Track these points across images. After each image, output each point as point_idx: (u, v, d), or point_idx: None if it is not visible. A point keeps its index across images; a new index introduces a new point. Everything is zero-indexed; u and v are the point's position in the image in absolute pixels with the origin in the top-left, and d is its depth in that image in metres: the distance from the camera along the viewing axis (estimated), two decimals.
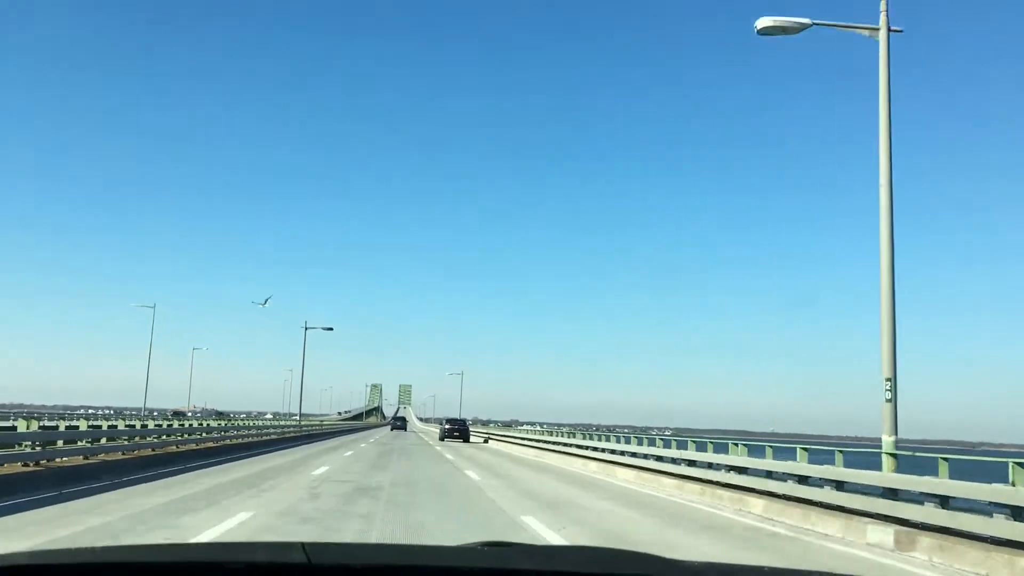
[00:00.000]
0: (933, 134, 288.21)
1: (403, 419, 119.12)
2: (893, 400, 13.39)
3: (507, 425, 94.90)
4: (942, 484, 10.77)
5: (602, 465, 26.68)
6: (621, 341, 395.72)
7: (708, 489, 17.55)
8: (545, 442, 39.80)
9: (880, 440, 13.52)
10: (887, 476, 12.32)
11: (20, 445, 16.48)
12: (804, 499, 13.88)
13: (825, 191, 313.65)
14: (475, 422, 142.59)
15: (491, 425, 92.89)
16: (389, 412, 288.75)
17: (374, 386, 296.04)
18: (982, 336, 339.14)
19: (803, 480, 14.23)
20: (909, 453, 13.52)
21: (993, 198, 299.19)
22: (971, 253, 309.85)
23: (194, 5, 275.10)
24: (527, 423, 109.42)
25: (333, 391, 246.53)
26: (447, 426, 57.64)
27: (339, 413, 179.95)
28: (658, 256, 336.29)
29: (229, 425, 40.22)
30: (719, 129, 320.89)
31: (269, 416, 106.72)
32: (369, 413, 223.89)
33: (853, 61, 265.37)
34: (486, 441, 56.37)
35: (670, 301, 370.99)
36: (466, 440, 54.39)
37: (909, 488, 11.42)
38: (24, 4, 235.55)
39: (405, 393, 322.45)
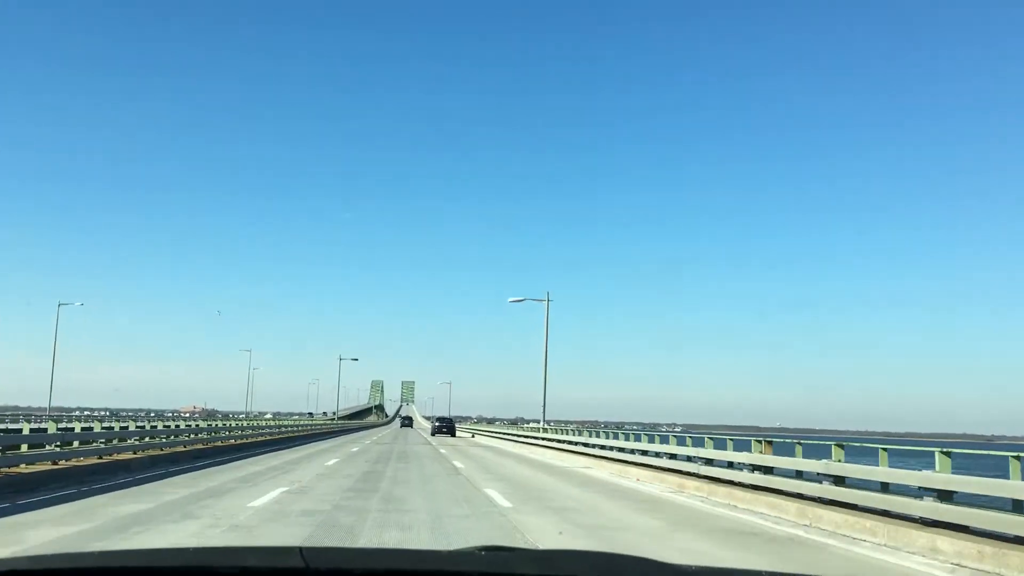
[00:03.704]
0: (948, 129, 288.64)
1: (409, 418, 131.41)
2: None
3: (512, 423, 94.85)
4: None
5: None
6: (627, 339, 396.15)
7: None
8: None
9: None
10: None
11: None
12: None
13: (828, 186, 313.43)
14: (479, 420, 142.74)
15: (496, 423, 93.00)
16: (390, 409, 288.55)
17: (374, 383, 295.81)
18: (996, 329, 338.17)
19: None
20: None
21: (998, 194, 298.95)
22: (985, 245, 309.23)
23: (189, 4, 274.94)
24: (532, 420, 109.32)
25: (319, 385, 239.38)
26: (437, 423, 70.07)
27: (320, 413, 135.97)
28: (662, 252, 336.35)
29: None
30: (719, 124, 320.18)
31: (269, 416, 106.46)
32: (368, 412, 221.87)
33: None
34: (473, 436, 64.55)
35: (675, 297, 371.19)
36: (452, 435, 64.92)
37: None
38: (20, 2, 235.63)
39: (408, 390, 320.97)
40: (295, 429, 58.17)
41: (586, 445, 30.79)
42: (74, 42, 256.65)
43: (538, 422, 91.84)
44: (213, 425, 37.18)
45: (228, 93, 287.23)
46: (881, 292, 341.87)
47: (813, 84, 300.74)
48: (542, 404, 45.08)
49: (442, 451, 36.08)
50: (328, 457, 28.44)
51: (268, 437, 42.92)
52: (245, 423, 45.97)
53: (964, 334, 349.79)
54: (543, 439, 39.81)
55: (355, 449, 35.70)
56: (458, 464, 26.31)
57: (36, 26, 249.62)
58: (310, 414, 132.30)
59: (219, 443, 31.27)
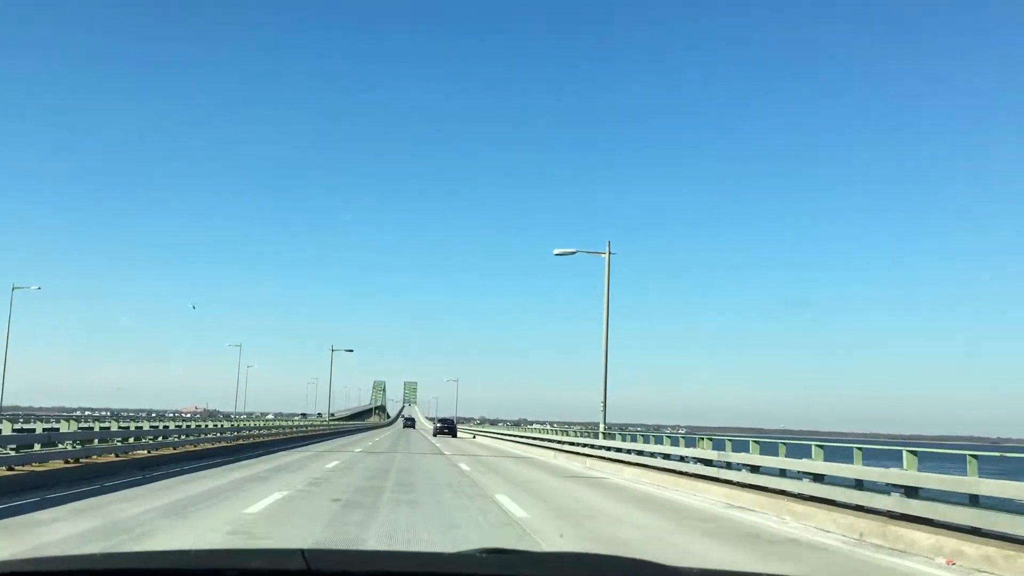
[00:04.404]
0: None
1: (412, 419, 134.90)
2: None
3: (516, 424, 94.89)
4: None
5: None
6: (627, 339, 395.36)
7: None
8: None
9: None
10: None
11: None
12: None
13: (831, 187, 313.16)
14: (482, 421, 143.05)
15: (499, 424, 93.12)
16: (392, 410, 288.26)
17: (376, 383, 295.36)
18: (1000, 330, 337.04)
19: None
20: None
21: (998, 194, 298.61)
22: (988, 246, 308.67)
23: (190, 4, 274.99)
24: (536, 422, 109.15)
25: (319, 385, 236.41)
26: (438, 424, 73.18)
27: (315, 414, 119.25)
28: (663, 252, 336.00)
29: None
30: (720, 126, 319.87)
31: (271, 416, 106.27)
32: (369, 413, 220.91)
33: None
34: (474, 437, 65.41)
35: (675, 297, 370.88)
36: (453, 435, 66.54)
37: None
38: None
39: (411, 390, 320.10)
40: (264, 433, 42.26)
41: (708, 464, 18.86)
42: (74, 42, 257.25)
43: (543, 424, 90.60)
44: (85, 429, 23.19)
45: (228, 93, 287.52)
46: (883, 292, 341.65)
47: (813, 86, 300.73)
48: (602, 392, 31.26)
49: (463, 466, 25.08)
50: (272, 485, 16.49)
51: (213, 445, 29.46)
52: (173, 425, 32.70)
53: (968, 335, 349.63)
54: (603, 449, 27.98)
55: (332, 464, 24.44)
56: (515, 509, 13.63)
57: (36, 26, 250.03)
58: (303, 415, 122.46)
59: (114, 456, 20.73)
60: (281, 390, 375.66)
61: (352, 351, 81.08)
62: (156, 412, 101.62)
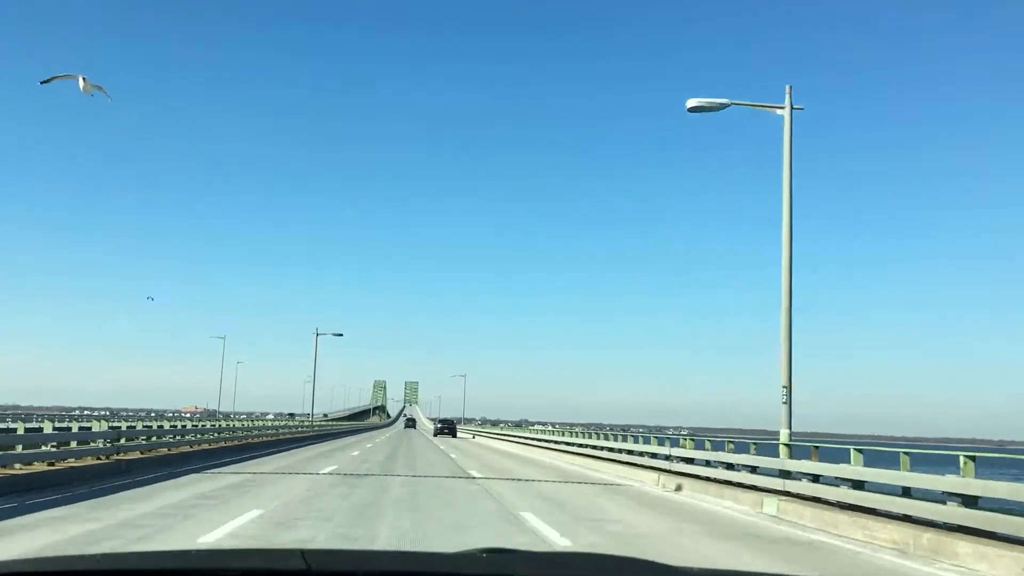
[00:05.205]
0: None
1: (413, 419, 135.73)
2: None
3: (517, 425, 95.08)
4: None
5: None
6: (629, 340, 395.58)
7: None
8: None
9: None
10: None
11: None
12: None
13: (824, 191, 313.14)
14: (484, 422, 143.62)
15: (500, 425, 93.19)
16: (393, 410, 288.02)
17: (377, 383, 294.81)
18: (1004, 332, 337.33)
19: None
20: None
21: (999, 196, 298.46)
22: (994, 248, 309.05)
23: (190, 4, 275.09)
24: (537, 423, 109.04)
25: (317, 384, 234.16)
26: (439, 424, 75.37)
27: (305, 414, 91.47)
28: (670, 254, 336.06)
29: None
30: (721, 127, 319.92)
31: (271, 416, 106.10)
32: (367, 413, 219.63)
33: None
34: (474, 437, 66.89)
35: (675, 299, 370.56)
36: (453, 435, 68.54)
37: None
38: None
39: (412, 390, 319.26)
40: (194, 439, 28.06)
41: None
42: (75, 42, 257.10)
43: (545, 424, 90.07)
44: None
45: (228, 93, 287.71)
46: (887, 294, 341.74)
47: (813, 88, 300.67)
48: (784, 363, 18.35)
49: (529, 519, 12.42)
50: None
51: (87, 461, 18.05)
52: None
53: (970, 337, 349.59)
54: (793, 478, 15.15)
55: (242, 521, 11.08)
56: None
57: (36, 26, 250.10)
58: (290, 415, 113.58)
59: None
60: (283, 391, 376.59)
61: (342, 335, 73.31)
62: (156, 412, 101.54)
